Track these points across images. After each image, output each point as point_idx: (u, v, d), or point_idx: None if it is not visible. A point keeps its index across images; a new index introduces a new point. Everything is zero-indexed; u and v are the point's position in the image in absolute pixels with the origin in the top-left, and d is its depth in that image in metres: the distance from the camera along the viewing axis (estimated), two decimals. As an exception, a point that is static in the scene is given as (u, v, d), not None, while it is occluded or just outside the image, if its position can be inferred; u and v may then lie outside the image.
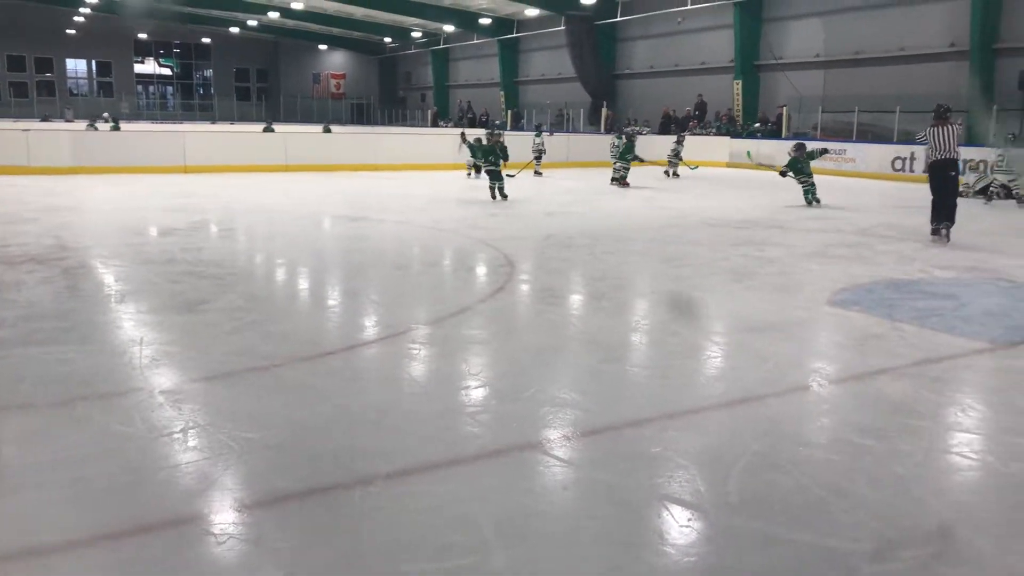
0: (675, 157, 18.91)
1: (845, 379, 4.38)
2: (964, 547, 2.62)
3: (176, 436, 3.39)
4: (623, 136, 17.23)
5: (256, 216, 11.25)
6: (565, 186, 16.37)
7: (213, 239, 9.33)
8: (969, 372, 4.57)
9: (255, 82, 49.67)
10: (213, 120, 39.50)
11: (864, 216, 11.49)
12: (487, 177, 13.43)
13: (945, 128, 9.06)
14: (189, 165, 17.54)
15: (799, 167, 12.85)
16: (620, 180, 16.08)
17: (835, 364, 4.71)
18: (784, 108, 23.13)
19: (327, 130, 27.58)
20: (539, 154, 19.03)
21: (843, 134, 20.82)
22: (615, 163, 16.43)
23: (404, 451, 3.28)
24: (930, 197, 9.32)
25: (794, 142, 14.28)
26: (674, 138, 19.68)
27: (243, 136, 21.32)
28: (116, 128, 24.38)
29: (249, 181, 16.01)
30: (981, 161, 15.88)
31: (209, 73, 49.38)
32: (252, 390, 4.05)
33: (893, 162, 18.79)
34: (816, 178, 13.02)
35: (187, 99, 47.76)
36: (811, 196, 12.78)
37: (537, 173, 18.49)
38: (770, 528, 2.71)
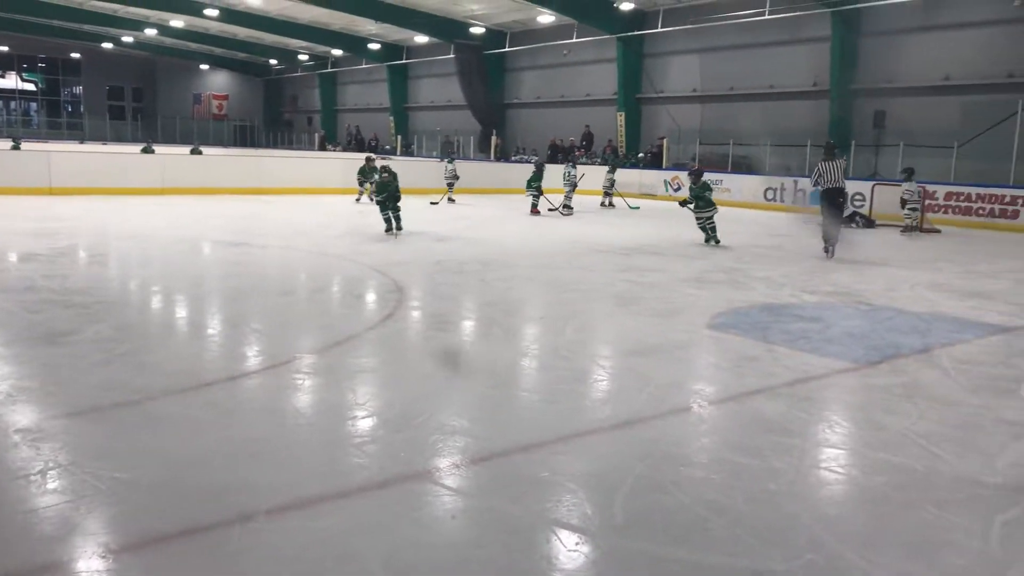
0: (611, 187, 19.13)
1: (723, 400, 4.56)
2: (833, 559, 2.76)
3: (33, 478, 3.14)
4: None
5: (129, 241, 10.67)
6: (456, 212, 16.41)
7: (80, 265, 8.78)
8: (835, 391, 4.86)
9: (130, 101, 47.34)
10: (82, 139, 37.33)
11: (739, 243, 12.08)
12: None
13: (833, 163, 10.61)
14: (55, 187, 16.49)
15: (695, 193, 11.84)
16: (534, 208, 16.17)
17: (714, 385, 4.91)
18: (664, 140, 24.16)
19: (197, 151, 26.61)
20: (452, 180, 18.96)
21: (719, 165, 21.94)
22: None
23: (287, 485, 3.16)
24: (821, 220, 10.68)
25: (693, 168, 13.63)
26: (606, 168, 19.87)
27: (117, 156, 20.28)
28: (16, 147, 22.32)
29: (122, 204, 15.21)
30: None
31: (79, 90, 46.70)
32: (122, 426, 3.81)
33: (765, 192, 19.95)
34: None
35: (53, 116, 44.90)
36: (710, 234, 11.74)
37: (450, 200, 18.46)
38: (654, 548, 2.77)
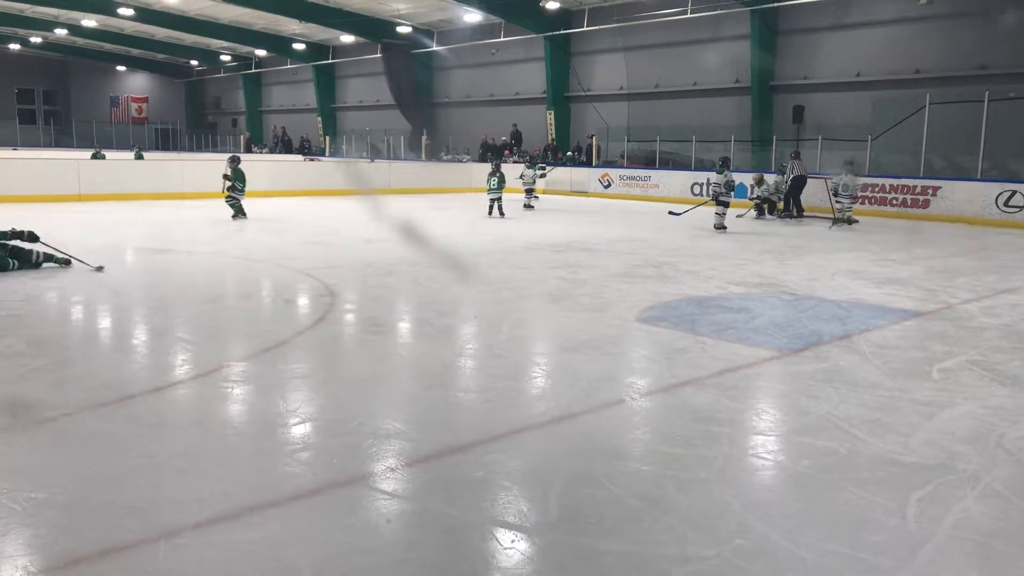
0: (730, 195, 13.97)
1: (654, 392, 4.64)
2: (761, 542, 2.84)
3: (-58, 503, 2.99)
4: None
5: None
6: (384, 214, 16.25)
7: (-9, 277, 8.36)
8: (761, 379, 5.00)
9: (41, 104, 45.31)
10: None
11: (667, 238, 12.32)
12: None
13: (798, 161, 16.15)
14: (-40, 195, 15.68)
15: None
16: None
17: (645, 378, 4.99)
18: (593, 137, 24.43)
19: (139, 156, 25.78)
20: (531, 186, 17.90)
21: (647, 162, 22.31)
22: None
23: (216, 498, 3.08)
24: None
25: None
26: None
27: (28, 163, 19.36)
28: None
29: (35, 212, 14.54)
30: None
31: (-16, 93, 44.41)
32: (37, 444, 3.66)
33: (692, 187, 20.34)
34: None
35: (-45, 122, 42.61)
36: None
37: (530, 207, 17.65)
38: (588, 541, 2.80)
